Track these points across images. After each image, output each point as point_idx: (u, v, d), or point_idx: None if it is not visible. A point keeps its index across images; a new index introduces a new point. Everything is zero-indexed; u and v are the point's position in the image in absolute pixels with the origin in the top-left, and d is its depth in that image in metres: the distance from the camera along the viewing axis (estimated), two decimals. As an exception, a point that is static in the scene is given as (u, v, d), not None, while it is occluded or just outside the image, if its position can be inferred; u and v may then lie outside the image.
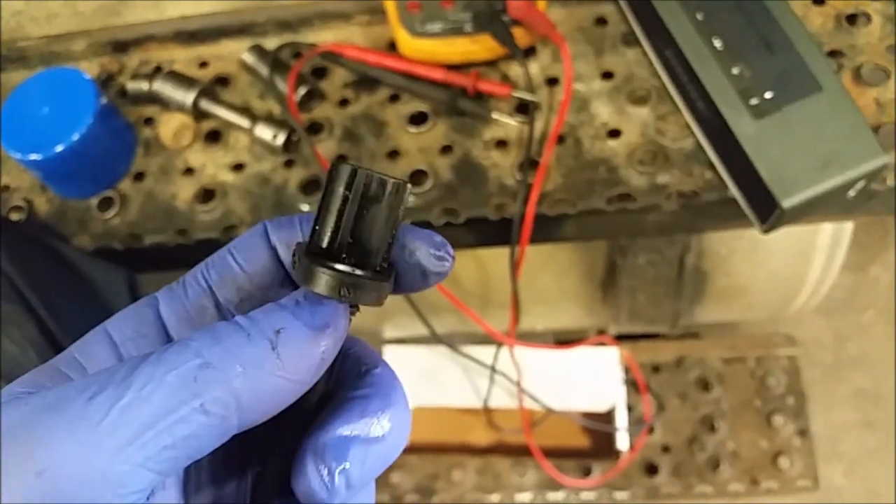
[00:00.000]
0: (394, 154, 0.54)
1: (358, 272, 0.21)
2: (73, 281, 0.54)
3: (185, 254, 0.55)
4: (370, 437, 0.21)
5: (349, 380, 0.23)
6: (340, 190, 0.21)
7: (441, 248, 0.23)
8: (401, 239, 0.23)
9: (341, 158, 0.53)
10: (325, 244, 0.21)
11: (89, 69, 0.60)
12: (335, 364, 0.22)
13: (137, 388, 0.18)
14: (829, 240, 0.81)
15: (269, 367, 0.20)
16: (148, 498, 0.19)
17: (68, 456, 0.18)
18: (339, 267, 0.21)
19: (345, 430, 0.21)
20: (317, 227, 0.22)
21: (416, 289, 0.24)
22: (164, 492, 0.21)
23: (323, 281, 0.21)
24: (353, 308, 0.22)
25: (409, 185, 0.22)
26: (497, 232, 0.52)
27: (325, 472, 0.21)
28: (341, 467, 0.21)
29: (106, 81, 0.60)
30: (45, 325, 0.50)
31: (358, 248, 0.21)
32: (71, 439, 0.18)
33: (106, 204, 0.56)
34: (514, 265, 0.54)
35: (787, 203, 0.44)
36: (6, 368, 0.47)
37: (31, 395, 0.19)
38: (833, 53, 0.50)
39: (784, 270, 0.85)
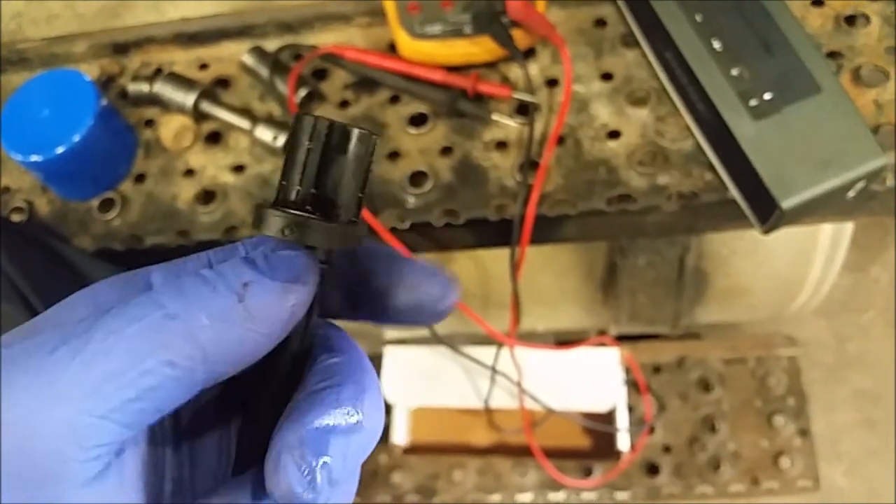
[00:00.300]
0: (394, 155, 0.54)
1: (307, 215, 0.21)
2: (73, 281, 0.54)
3: (186, 255, 0.55)
4: (349, 425, 0.20)
5: (318, 366, 0.22)
6: (303, 140, 0.21)
7: (448, 283, 0.24)
8: (404, 275, 0.23)
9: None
10: (288, 196, 0.21)
11: (90, 71, 0.60)
12: (309, 321, 0.22)
13: (99, 340, 0.18)
14: (829, 240, 0.81)
15: (235, 319, 0.19)
16: (118, 453, 0.19)
17: (31, 409, 0.18)
18: (287, 209, 0.21)
19: (321, 420, 0.20)
20: (283, 182, 0.21)
21: (425, 322, 0.24)
22: (135, 447, 0.20)
23: (268, 221, 0.21)
24: (324, 263, 0.22)
25: (374, 136, 0.22)
26: (497, 233, 0.52)
27: (305, 469, 0.19)
28: (322, 462, 0.19)
29: (106, 83, 0.60)
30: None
31: (323, 201, 0.21)
32: (32, 393, 0.18)
33: (107, 205, 0.56)
34: (515, 266, 0.54)
35: (786, 204, 0.44)
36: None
37: None
38: (832, 54, 0.50)
39: (784, 271, 0.85)
